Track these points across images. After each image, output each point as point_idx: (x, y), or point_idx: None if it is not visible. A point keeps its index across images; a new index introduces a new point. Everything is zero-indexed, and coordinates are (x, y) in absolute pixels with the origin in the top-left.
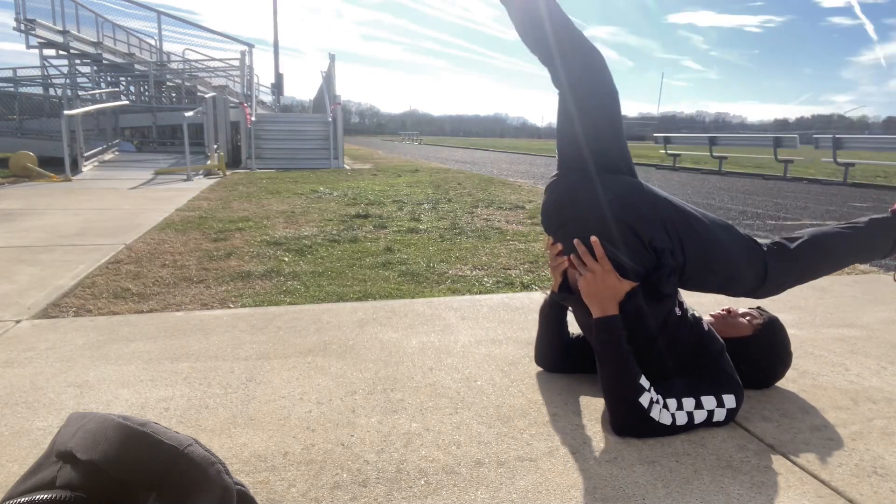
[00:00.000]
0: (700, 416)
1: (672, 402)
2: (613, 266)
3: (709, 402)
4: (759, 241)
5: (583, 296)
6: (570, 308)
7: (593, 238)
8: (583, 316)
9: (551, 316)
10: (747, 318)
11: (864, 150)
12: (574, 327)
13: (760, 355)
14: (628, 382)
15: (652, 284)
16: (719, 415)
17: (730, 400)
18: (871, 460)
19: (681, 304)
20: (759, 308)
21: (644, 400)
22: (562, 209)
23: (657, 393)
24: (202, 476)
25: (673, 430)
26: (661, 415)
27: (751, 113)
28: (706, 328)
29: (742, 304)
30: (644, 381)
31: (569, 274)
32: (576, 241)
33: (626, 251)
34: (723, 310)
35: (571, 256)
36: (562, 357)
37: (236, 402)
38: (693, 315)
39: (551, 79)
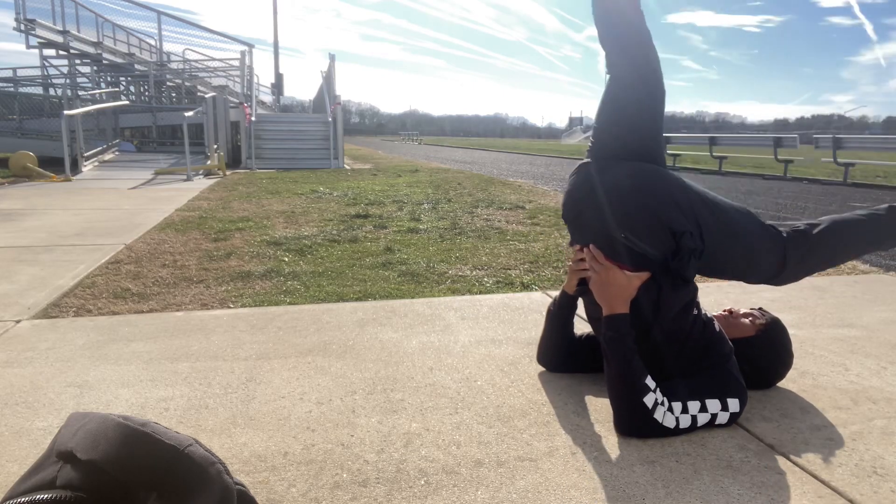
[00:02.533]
0: (703, 419)
1: (677, 406)
2: (632, 255)
3: (713, 405)
4: (779, 227)
5: (594, 294)
6: (576, 309)
7: (591, 246)
8: (593, 311)
9: (558, 317)
10: (749, 318)
11: (864, 150)
12: (578, 328)
13: (762, 356)
14: (633, 381)
15: (673, 270)
16: (722, 418)
17: (734, 404)
18: (871, 460)
19: (697, 305)
20: (760, 309)
21: (648, 400)
22: (581, 197)
23: (663, 395)
24: (202, 476)
25: (676, 432)
26: (664, 417)
27: (751, 113)
28: (717, 329)
29: (743, 304)
30: (650, 382)
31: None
32: (591, 246)
33: (646, 235)
34: (724, 310)
35: (585, 260)
36: (565, 358)
37: (236, 402)
38: (705, 315)
39: (606, 63)
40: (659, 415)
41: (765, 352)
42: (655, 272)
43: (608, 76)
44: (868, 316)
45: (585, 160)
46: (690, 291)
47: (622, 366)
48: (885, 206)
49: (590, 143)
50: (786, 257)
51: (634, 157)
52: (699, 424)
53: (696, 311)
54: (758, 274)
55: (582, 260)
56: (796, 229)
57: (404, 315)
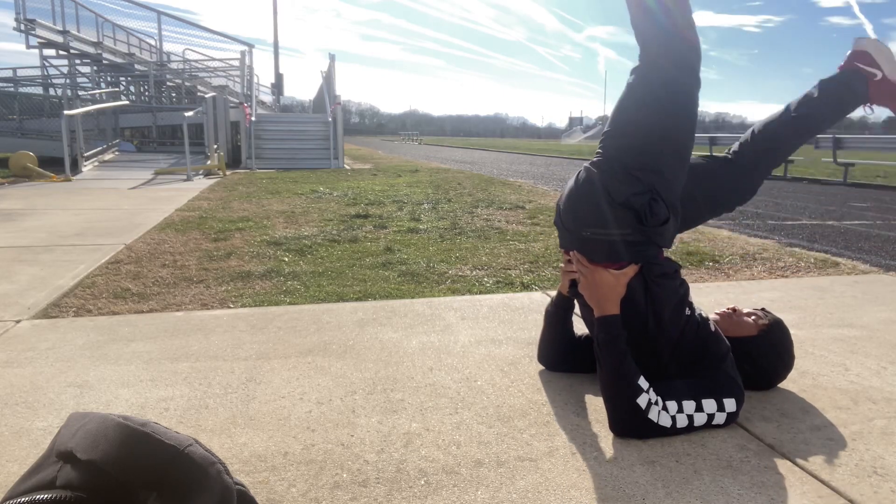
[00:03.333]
0: (700, 419)
1: (672, 405)
2: (608, 251)
3: (709, 405)
4: (723, 156)
5: (585, 298)
6: (573, 309)
7: (574, 252)
8: (588, 313)
9: (555, 316)
10: (752, 317)
11: (864, 150)
12: (578, 328)
13: (764, 356)
14: (626, 382)
15: (652, 236)
16: (719, 418)
17: (730, 404)
18: (871, 460)
19: (690, 304)
20: (763, 309)
21: (642, 401)
22: (559, 204)
23: (657, 394)
24: (202, 476)
25: (672, 432)
26: (659, 417)
27: (751, 113)
28: (713, 328)
29: (744, 304)
30: (643, 382)
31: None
32: (573, 252)
33: (607, 223)
34: (728, 308)
35: (573, 264)
36: (564, 356)
37: (236, 402)
38: (700, 315)
39: (635, 67)
40: (653, 415)
41: (766, 352)
42: (641, 267)
43: (632, 77)
44: (868, 316)
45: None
46: (681, 289)
47: (614, 367)
48: (815, 86)
49: (598, 150)
50: (746, 172)
51: (649, 159)
52: (696, 425)
53: (689, 311)
54: (737, 198)
55: (569, 261)
56: (736, 146)
57: (404, 315)
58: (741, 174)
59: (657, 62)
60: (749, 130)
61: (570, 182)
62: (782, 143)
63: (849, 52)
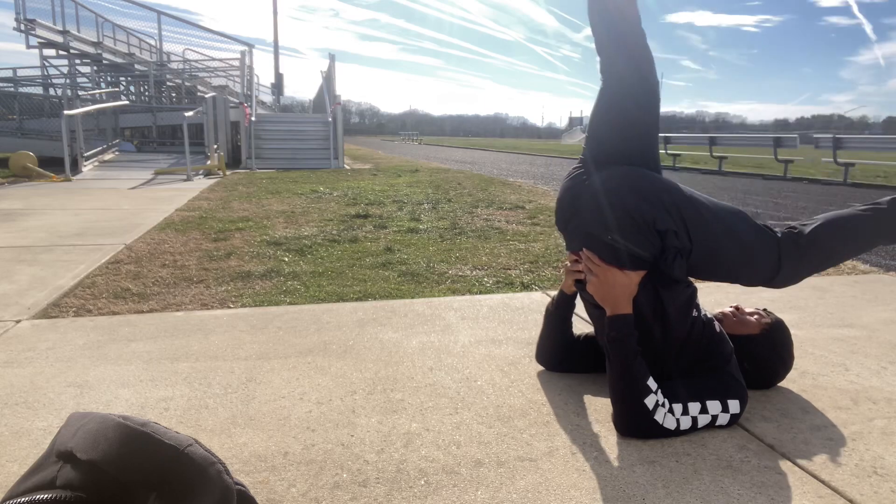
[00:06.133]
0: (704, 421)
1: (678, 407)
2: (623, 258)
3: (714, 406)
4: (774, 228)
5: (596, 298)
6: (574, 308)
7: (585, 251)
8: (594, 313)
9: (556, 317)
10: (755, 317)
11: (864, 150)
12: (577, 328)
13: (765, 355)
14: (635, 382)
15: (662, 269)
16: (723, 419)
17: (734, 405)
18: (872, 460)
19: (697, 306)
20: (765, 309)
21: (650, 402)
22: (568, 204)
23: (664, 396)
24: (202, 476)
25: (676, 434)
26: (665, 419)
27: (751, 113)
28: (718, 329)
29: (745, 304)
30: (651, 383)
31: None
32: (584, 250)
33: (632, 236)
34: (732, 307)
35: (582, 265)
36: (563, 357)
37: (236, 402)
38: (705, 316)
39: (601, 64)
40: (659, 416)
41: (767, 351)
42: (650, 270)
43: (602, 77)
44: (868, 316)
45: (576, 166)
46: (688, 290)
47: (624, 366)
48: (888, 198)
49: (583, 148)
50: (780, 257)
51: (629, 160)
52: (700, 426)
53: (695, 312)
54: (753, 276)
55: (577, 261)
56: (791, 228)
57: (404, 315)
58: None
59: (620, 63)
60: (820, 217)
61: (595, 182)
62: (860, 237)
63: None
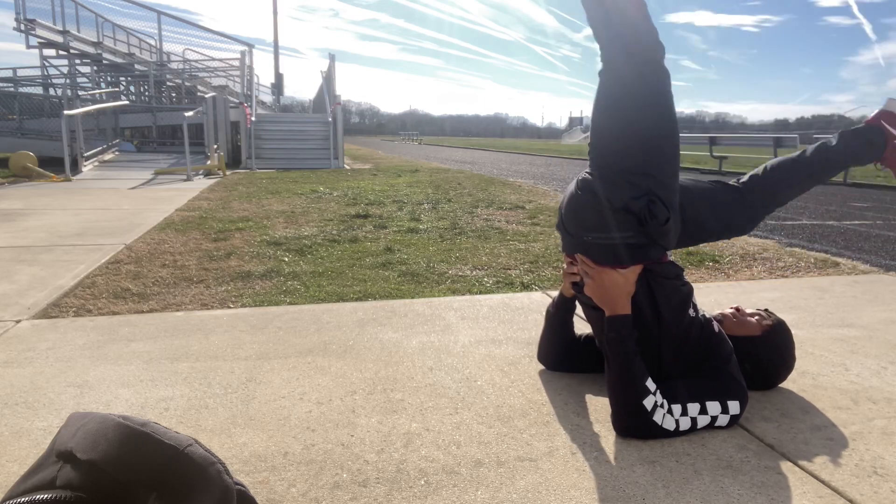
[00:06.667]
0: (703, 422)
1: (677, 408)
2: (611, 253)
3: (713, 407)
4: (731, 182)
5: (594, 300)
6: (574, 310)
7: (578, 255)
8: (592, 315)
9: (556, 317)
10: (756, 318)
11: None
12: (579, 328)
13: (766, 356)
14: (633, 383)
15: (652, 236)
16: (722, 420)
17: (734, 406)
18: (871, 460)
19: (694, 305)
20: (766, 310)
21: (648, 402)
22: (561, 209)
23: (663, 397)
24: (202, 476)
25: (675, 434)
26: (664, 420)
27: (751, 113)
28: (717, 330)
29: (744, 304)
30: (650, 384)
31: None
32: (577, 255)
33: (609, 227)
34: (732, 307)
35: (577, 268)
36: (564, 357)
37: (236, 402)
38: (704, 316)
39: (601, 57)
40: (658, 417)
41: (768, 352)
42: (644, 269)
43: (601, 73)
44: (868, 316)
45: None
46: (684, 288)
47: (623, 367)
48: (836, 135)
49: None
50: (747, 202)
51: (629, 164)
52: (699, 426)
53: (693, 313)
54: (734, 227)
55: (572, 264)
56: (746, 177)
57: (404, 315)
58: (743, 205)
59: (619, 62)
60: (762, 165)
61: (571, 187)
62: (793, 183)
63: (878, 108)
